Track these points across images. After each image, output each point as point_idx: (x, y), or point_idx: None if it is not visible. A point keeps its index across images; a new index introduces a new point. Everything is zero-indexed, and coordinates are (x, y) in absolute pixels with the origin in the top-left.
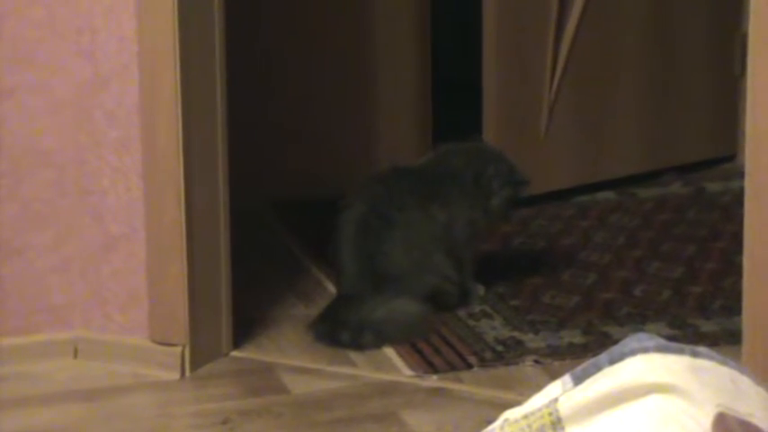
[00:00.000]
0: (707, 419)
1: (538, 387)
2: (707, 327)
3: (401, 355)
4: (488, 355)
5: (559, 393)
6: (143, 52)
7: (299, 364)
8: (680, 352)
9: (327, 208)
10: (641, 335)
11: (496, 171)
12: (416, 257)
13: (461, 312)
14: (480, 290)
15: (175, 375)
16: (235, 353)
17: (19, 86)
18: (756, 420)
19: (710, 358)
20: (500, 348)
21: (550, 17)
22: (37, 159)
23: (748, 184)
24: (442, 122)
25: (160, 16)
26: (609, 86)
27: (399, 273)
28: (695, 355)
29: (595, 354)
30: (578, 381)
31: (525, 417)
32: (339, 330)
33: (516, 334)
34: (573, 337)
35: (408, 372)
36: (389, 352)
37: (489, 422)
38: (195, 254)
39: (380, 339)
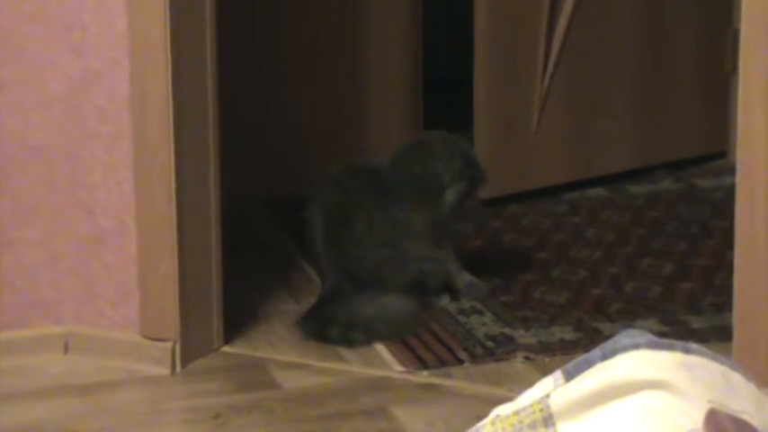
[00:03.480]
0: (698, 416)
1: (528, 383)
2: (697, 323)
3: (392, 351)
4: (479, 350)
5: (551, 389)
6: (134, 48)
7: (290, 360)
8: (672, 348)
9: None
10: (633, 331)
11: (447, 166)
12: (388, 253)
13: (452, 308)
14: (481, 285)
15: (166, 370)
16: (226, 348)
17: (10, 81)
18: (748, 417)
19: (702, 354)
20: (490, 344)
21: (542, 13)
22: (27, 154)
23: (739, 181)
24: (433, 119)
25: (151, 12)
26: (600, 83)
27: (376, 271)
28: (687, 351)
29: (586, 350)
30: (570, 377)
31: (516, 413)
32: (328, 327)
33: (507, 330)
34: (563, 333)
35: (399, 367)
36: (380, 348)
37: (480, 418)
38: (186, 249)
39: (370, 336)
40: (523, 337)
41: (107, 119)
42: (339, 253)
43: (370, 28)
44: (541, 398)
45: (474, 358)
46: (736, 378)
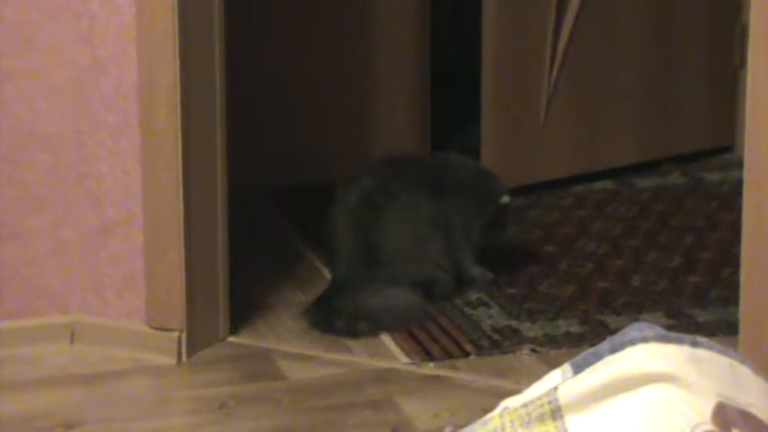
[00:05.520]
0: (706, 409)
1: (534, 375)
2: (704, 317)
3: (398, 343)
4: (485, 343)
5: (559, 382)
6: (141, 37)
7: (296, 351)
8: (680, 342)
9: (324, 195)
10: (641, 324)
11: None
12: (413, 240)
13: (458, 300)
14: (488, 275)
15: (172, 360)
16: (231, 338)
17: (18, 70)
18: (756, 410)
19: (710, 348)
20: (497, 337)
21: (550, 7)
22: (35, 143)
23: (747, 175)
24: (440, 110)
25: (159, 1)
26: (608, 76)
27: (394, 253)
28: (695, 344)
29: (592, 343)
30: (578, 369)
31: (525, 405)
32: (334, 318)
33: (513, 322)
34: (569, 326)
35: (405, 359)
36: (386, 339)
37: (486, 410)
38: (193, 239)
39: (375, 327)
40: (529, 329)
41: (114, 108)
42: (369, 221)
43: (377, 21)
44: (550, 390)
45: (480, 350)
46: (744, 372)
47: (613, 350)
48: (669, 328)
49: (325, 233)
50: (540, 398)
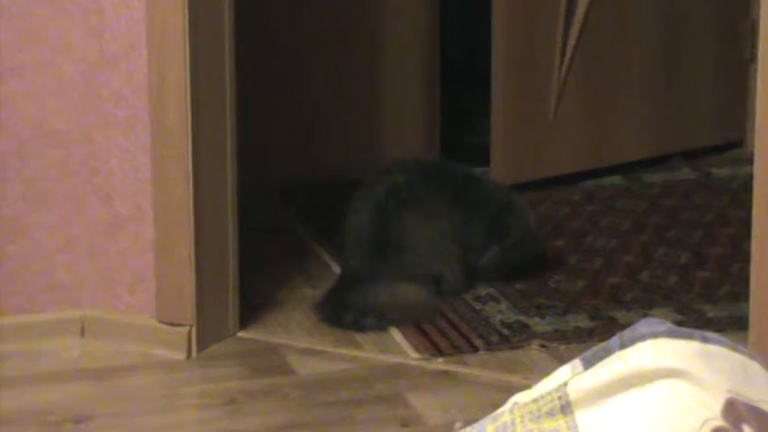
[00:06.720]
0: (716, 405)
1: (543, 371)
2: (713, 312)
3: (407, 338)
4: (494, 338)
5: (569, 377)
6: (151, 32)
7: (306, 346)
8: (690, 337)
9: (334, 192)
10: (652, 320)
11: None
12: (430, 236)
13: (468, 296)
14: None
15: (182, 355)
16: (241, 334)
17: (26, 65)
18: (766, 406)
19: (721, 344)
20: (506, 332)
21: (560, 2)
22: (44, 138)
23: (757, 170)
24: (450, 107)
25: None
26: (617, 71)
27: (410, 245)
28: (705, 340)
29: (601, 338)
30: (588, 365)
31: (535, 400)
32: (343, 312)
33: (522, 318)
34: (579, 321)
35: (414, 354)
36: (396, 334)
37: (495, 405)
38: (203, 234)
39: (383, 322)
40: (539, 324)
41: (124, 103)
42: (392, 213)
43: (387, 16)
44: (559, 386)
45: (489, 346)
46: (755, 367)
47: (623, 345)
48: (679, 323)
49: (344, 220)
50: (550, 393)
